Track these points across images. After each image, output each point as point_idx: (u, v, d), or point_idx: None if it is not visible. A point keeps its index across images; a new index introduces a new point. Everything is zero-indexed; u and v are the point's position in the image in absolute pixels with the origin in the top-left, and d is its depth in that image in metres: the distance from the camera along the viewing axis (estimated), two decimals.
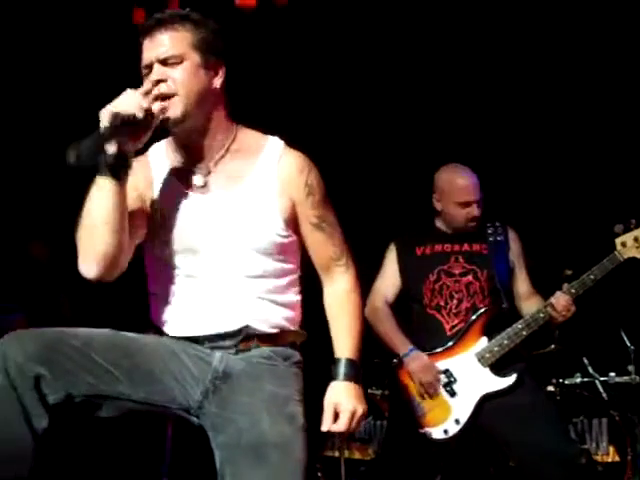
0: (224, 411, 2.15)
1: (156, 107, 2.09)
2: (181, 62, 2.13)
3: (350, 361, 2.25)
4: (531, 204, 4.94)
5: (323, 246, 2.31)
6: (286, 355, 2.26)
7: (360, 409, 2.22)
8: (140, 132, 2.07)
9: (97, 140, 1.98)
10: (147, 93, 2.09)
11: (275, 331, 2.24)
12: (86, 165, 1.95)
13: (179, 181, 2.24)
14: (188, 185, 2.23)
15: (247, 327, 2.20)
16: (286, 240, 2.26)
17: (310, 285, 2.38)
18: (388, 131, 5.14)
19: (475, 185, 3.54)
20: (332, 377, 2.26)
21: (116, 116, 2.00)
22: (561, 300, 3.38)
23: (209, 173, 2.22)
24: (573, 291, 3.39)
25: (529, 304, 3.56)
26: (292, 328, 2.29)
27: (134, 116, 2.01)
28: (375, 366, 4.60)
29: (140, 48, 2.18)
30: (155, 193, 2.26)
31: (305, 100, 4.98)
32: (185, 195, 2.23)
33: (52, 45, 4.69)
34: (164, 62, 2.12)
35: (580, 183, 4.96)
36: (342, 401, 2.21)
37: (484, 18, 4.80)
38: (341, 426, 2.21)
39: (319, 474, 4.52)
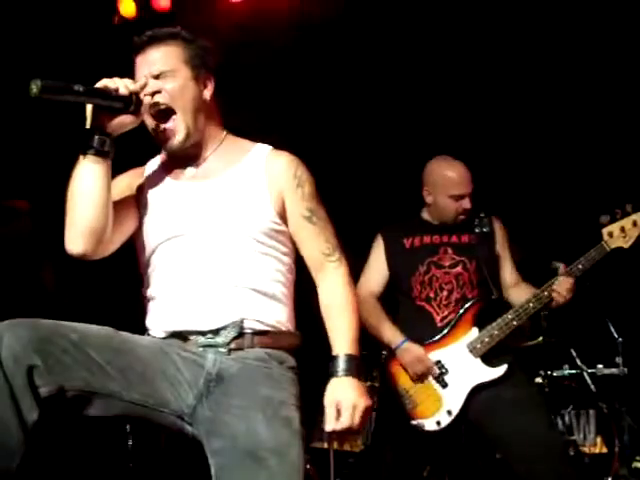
0: (218, 415, 2.11)
1: (147, 100, 2.22)
2: (173, 76, 2.25)
3: (349, 356, 2.20)
4: (518, 195, 4.95)
5: (315, 241, 2.29)
6: (281, 359, 2.22)
7: (362, 403, 2.15)
8: (119, 112, 2.18)
9: (73, 90, 2.10)
10: (142, 87, 2.22)
11: (269, 328, 2.21)
12: (46, 99, 2.07)
13: (168, 175, 2.34)
14: (176, 177, 2.33)
15: (240, 322, 2.17)
16: (279, 228, 2.26)
17: (304, 290, 2.36)
18: (371, 125, 5.13)
19: (468, 177, 3.53)
20: (330, 374, 2.20)
21: (104, 86, 2.16)
22: (564, 283, 3.38)
23: (198, 166, 2.31)
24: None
25: (518, 292, 3.55)
26: (285, 327, 2.26)
27: (117, 90, 2.16)
28: (362, 358, 4.60)
29: (133, 64, 2.30)
30: (145, 186, 2.34)
31: (292, 92, 4.96)
32: (174, 185, 2.31)
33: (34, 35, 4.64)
34: (157, 77, 2.25)
35: (566, 174, 4.97)
36: (342, 397, 2.15)
37: (471, 8, 4.80)
38: (344, 423, 2.14)
39: (308, 466, 4.52)
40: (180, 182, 2.30)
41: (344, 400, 2.15)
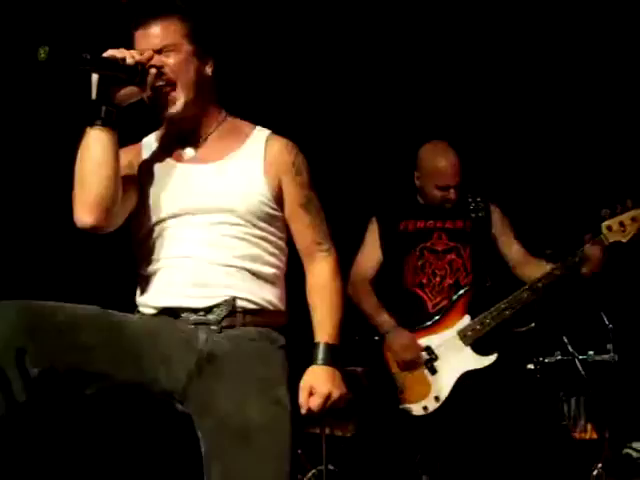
0: (209, 394, 2.14)
1: (151, 72, 2.20)
2: (175, 50, 2.23)
3: (328, 345, 2.24)
4: (518, 184, 4.93)
5: (307, 229, 2.32)
6: (272, 338, 2.25)
7: (336, 393, 2.20)
8: (125, 83, 2.17)
9: (81, 57, 2.10)
10: (148, 59, 2.20)
11: (260, 308, 2.23)
12: (54, 64, 2.07)
13: (167, 154, 2.33)
14: (176, 157, 2.32)
15: (232, 300, 2.19)
16: (275, 213, 2.28)
17: (295, 277, 2.38)
18: (369, 106, 5.10)
19: (455, 169, 3.51)
20: (310, 362, 2.25)
21: (111, 55, 2.15)
22: (594, 250, 3.38)
23: (197, 147, 2.32)
24: (557, 272, 3.40)
25: (530, 268, 3.54)
26: (276, 307, 2.28)
27: (124, 60, 2.15)
28: (355, 343, 4.61)
29: (132, 38, 2.27)
30: (143, 165, 2.34)
31: (284, 78, 4.94)
32: (172, 165, 2.31)
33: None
34: (159, 52, 2.23)
35: (570, 165, 4.95)
36: (317, 385, 2.20)
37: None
38: (314, 407, 2.19)
39: (299, 451, 4.53)
40: (179, 163, 2.30)
41: (319, 388, 2.19)
